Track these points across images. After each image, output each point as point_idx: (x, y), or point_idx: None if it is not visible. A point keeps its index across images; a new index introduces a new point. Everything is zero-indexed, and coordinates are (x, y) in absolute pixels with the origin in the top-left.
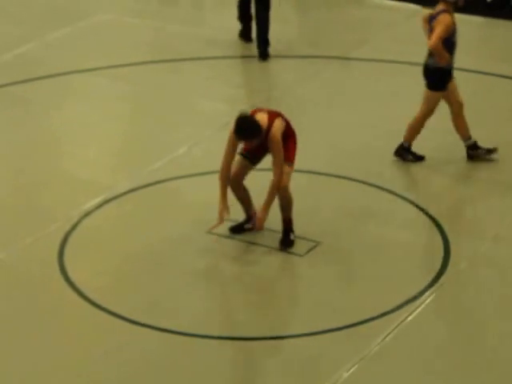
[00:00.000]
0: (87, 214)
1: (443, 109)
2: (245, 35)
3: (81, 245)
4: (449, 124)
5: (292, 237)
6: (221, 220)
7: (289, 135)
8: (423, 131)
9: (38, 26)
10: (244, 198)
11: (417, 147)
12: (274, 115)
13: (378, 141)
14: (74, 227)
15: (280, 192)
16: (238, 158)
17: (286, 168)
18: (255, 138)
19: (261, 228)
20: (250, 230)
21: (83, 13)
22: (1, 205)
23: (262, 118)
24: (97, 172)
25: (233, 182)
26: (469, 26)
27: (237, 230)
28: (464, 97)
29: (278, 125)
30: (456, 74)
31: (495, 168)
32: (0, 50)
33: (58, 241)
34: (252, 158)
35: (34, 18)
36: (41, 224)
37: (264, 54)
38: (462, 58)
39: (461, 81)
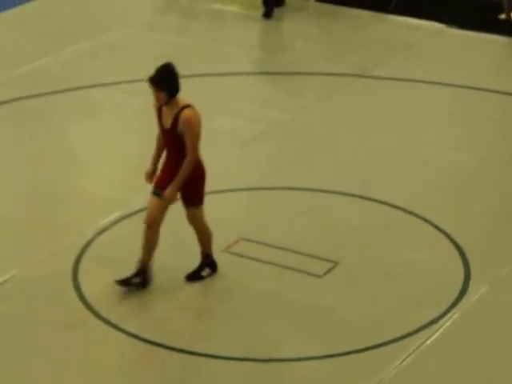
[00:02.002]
0: (102, 230)
1: None
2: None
3: (95, 261)
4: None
5: (132, 280)
6: (147, 180)
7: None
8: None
9: (55, 40)
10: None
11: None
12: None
13: (399, 161)
14: (88, 243)
15: (145, 228)
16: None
17: (156, 201)
18: (165, 91)
19: (169, 201)
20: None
21: (101, 27)
22: (16, 220)
23: (185, 99)
24: (112, 188)
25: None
26: (493, 45)
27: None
28: (490, 117)
29: (195, 112)
30: (481, 94)
31: None
32: (17, 63)
33: (72, 257)
34: (160, 185)
35: (52, 32)
36: (55, 240)
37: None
38: (486, 78)
39: (486, 101)
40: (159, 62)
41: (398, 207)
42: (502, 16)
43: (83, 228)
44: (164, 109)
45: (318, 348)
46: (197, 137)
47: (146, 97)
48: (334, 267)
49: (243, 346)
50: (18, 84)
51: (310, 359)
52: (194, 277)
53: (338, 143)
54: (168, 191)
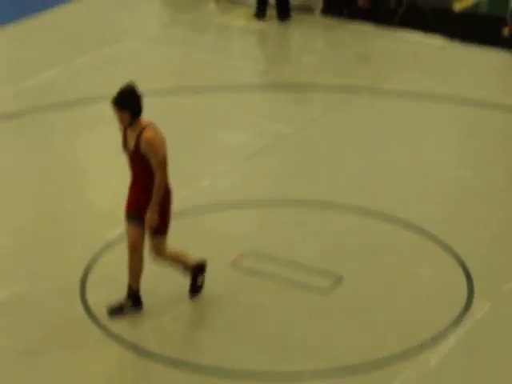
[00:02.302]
0: (109, 244)
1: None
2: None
3: (103, 276)
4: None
5: (124, 305)
6: None
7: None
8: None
9: (64, 52)
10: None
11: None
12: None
13: (402, 176)
14: (96, 257)
15: (128, 254)
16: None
17: (132, 227)
18: (128, 111)
19: (152, 226)
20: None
21: (110, 39)
22: (22, 234)
23: (148, 119)
24: (119, 202)
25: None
26: (496, 60)
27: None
28: (493, 131)
29: (156, 132)
30: (483, 108)
31: None
32: (25, 75)
33: (79, 271)
34: (131, 212)
35: (60, 44)
36: (63, 253)
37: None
38: (489, 92)
39: (489, 115)
40: (166, 75)
41: (401, 222)
42: (506, 31)
43: (90, 242)
44: (128, 131)
45: (320, 363)
46: (162, 157)
47: (154, 110)
48: (337, 281)
49: (246, 359)
50: (26, 96)
51: (312, 373)
52: (194, 290)
53: (341, 157)
54: (149, 218)
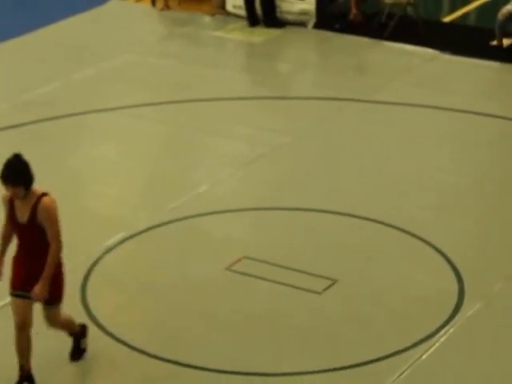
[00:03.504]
0: (109, 250)
1: None
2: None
3: (103, 280)
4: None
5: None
6: None
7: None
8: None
9: (62, 66)
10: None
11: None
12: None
13: (395, 182)
14: (95, 263)
15: (16, 332)
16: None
17: (24, 303)
18: (22, 185)
19: (42, 299)
20: None
21: (108, 53)
22: None
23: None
24: (118, 209)
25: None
26: (485, 70)
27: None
28: (482, 140)
29: (52, 200)
30: (474, 117)
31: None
32: (24, 88)
33: (80, 276)
34: (24, 286)
35: (59, 58)
36: (63, 259)
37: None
38: (479, 102)
39: (479, 124)
40: (163, 88)
41: (393, 226)
42: (494, 42)
43: (90, 248)
44: (17, 202)
45: (317, 363)
46: (58, 227)
47: (152, 121)
48: (332, 284)
49: (245, 361)
50: (28, 108)
51: (309, 373)
52: (77, 353)
53: (336, 165)
54: (39, 289)
